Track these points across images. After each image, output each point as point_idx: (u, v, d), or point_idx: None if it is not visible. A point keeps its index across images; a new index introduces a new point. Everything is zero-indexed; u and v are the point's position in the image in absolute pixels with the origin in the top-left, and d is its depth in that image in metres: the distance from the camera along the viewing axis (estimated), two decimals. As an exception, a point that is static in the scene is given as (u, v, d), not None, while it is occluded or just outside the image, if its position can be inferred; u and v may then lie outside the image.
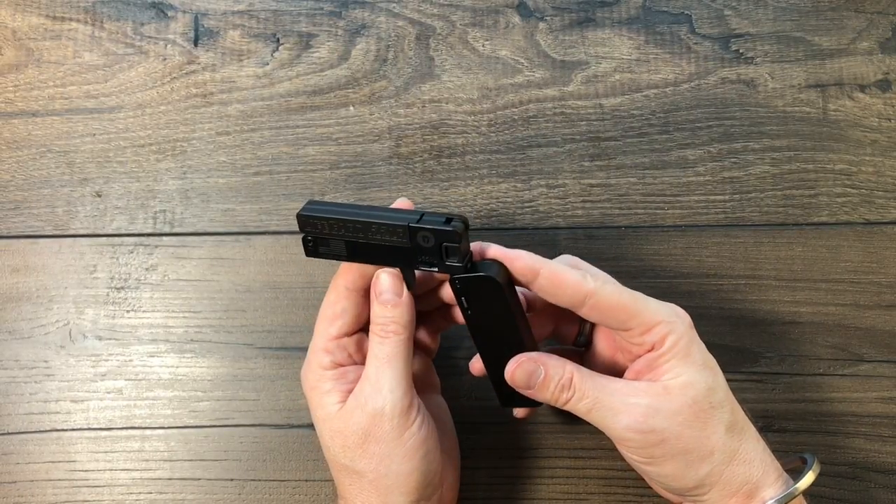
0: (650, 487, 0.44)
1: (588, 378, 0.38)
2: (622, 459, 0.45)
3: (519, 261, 0.38)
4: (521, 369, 0.38)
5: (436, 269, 0.37)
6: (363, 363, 0.40)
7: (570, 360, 0.43)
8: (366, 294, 0.40)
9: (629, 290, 0.38)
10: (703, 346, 0.39)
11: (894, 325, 0.47)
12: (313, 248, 0.38)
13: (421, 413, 0.38)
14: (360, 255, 0.38)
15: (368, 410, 0.37)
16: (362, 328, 0.41)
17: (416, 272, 0.39)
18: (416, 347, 0.43)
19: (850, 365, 0.47)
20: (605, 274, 0.40)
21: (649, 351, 0.38)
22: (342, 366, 0.39)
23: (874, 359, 0.47)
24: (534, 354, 0.39)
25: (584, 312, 0.38)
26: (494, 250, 0.38)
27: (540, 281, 0.37)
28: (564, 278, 0.37)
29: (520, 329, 0.39)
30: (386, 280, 0.39)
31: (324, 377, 0.39)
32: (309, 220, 0.38)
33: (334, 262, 0.39)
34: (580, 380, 0.38)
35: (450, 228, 0.36)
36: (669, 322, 0.38)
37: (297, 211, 0.38)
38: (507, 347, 0.39)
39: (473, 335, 0.39)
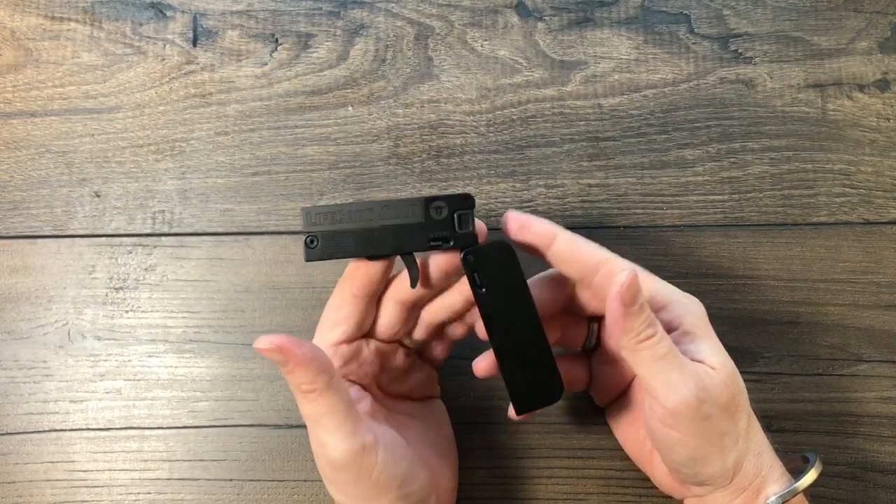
0: (649, 487, 0.44)
1: (667, 339, 0.36)
2: (621, 459, 0.45)
3: (538, 224, 0.38)
4: (636, 282, 0.35)
5: (450, 244, 0.38)
6: (357, 374, 0.40)
7: (579, 364, 0.43)
8: (371, 300, 0.39)
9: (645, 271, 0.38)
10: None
11: (893, 325, 0.47)
12: (315, 248, 0.38)
13: (379, 445, 0.36)
14: (367, 246, 0.38)
15: (323, 463, 0.36)
16: (363, 336, 0.40)
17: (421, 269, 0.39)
18: (425, 360, 0.43)
19: (848, 365, 0.47)
20: None
21: (668, 332, 0.37)
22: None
23: (873, 359, 0.47)
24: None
25: (597, 281, 0.37)
26: (513, 214, 0.38)
27: (557, 245, 0.37)
28: (581, 243, 0.37)
29: (535, 306, 0.38)
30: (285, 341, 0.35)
31: None
32: (314, 211, 0.38)
33: (338, 263, 0.38)
34: (663, 335, 0.36)
35: (463, 193, 0.38)
36: (682, 302, 0.37)
37: (301, 206, 0.38)
38: (523, 330, 0.38)
39: (485, 319, 0.38)
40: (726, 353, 0.38)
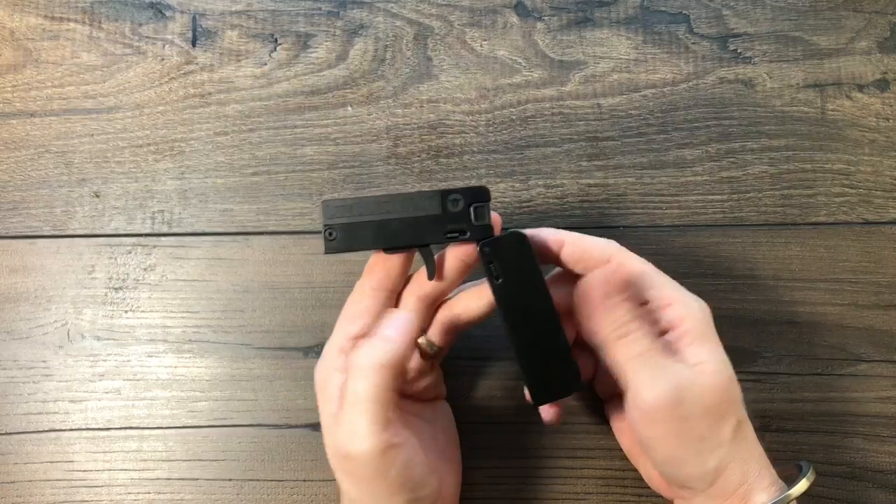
0: (648, 487, 0.44)
1: (649, 329, 0.37)
2: (621, 459, 0.45)
3: (545, 232, 0.39)
4: (617, 277, 0.37)
5: (466, 235, 0.38)
6: None
7: (586, 355, 0.42)
8: (390, 295, 0.40)
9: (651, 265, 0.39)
10: (718, 339, 0.38)
11: (892, 325, 0.47)
12: (334, 240, 0.38)
13: (403, 448, 0.36)
14: (385, 238, 0.38)
15: (343, 454, 0.36)
16: None
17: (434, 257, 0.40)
18: (436, 358, 0.43)
19: (848, 365, 0.47)
20: None
21: (667, 332, 0.38)
22: None
23: (872, 358, 0.47)
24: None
25: None
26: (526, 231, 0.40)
27: (567, 247, 0.39)
28: (590, 240, 0.39)
29: (550, 297, 0.39)
30: (402, 317, 0.37)
31: (333, 379, 0.38)
32: (334, 204, 0.38)
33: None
34: (643, 325, 0.37)
35: (479, 185, 0.39)
36: (687, 303, 0.38)
37: (322, 199, 0.38)
38: (539, 321, 0.39)
39: (503, 309, 0.39)
40: (725, 360, 0.38)
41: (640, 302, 0.38)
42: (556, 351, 0.39)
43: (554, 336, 0.39)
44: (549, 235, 0.39)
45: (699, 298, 0.39)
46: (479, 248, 0.38)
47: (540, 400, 0.39)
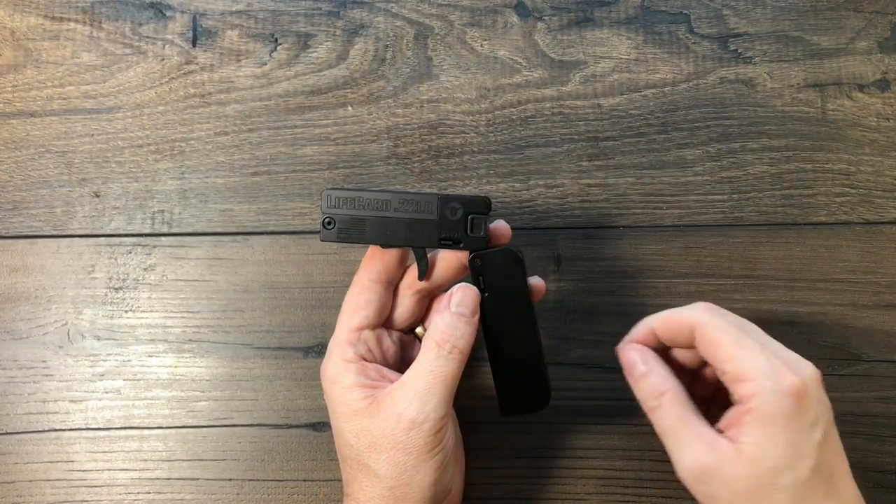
0: (649, 487, 0.44)
1: (679, 403, 0.37)
2: (621, 459, 0.45)
3: (637, 330, 0.40)
4: (629, 352, 0.39)
5: (459, 245, 0.39)
6: (382, 361, 0.40)
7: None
8: (388, 286, 0.40)
9: (748, 335, 0.37)
10: (800, 422, 0.36)
11: (893, 325, 0.47)
12: (332, 230, 0.39)
13: (451, 428, 0.38)
14: (380, 235, 0.39)
15: (405, 422, 0.36)
16: (382, 324, 0.41)
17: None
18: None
19: (848, 365, 0.47)
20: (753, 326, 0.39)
21: (738, 403, 0.36)
22: (364, 360, 0.39)
23: (873, 358, 0.47)
24: (647, 350, 0.39)
25: (695, 343, 0.38)
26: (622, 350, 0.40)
27: (660, 332, 0.39)
28: (676, 317, 0.39)
29: (534, 316, 0.39)
30: (469, 294, 0.39)
31: (347, 370, 0.39)
32: (335, 195, 0.38)
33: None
34: (672, 399, 0.37)
35: (481, 196, 0.38)
36: (760, 383, 0.35)
37: (324, 189, 0.39)
38: (519, 338, 0.39)
39: (485, 322, 0.39)
40: (782, 448, 0.35)
41: (719, 371, 0.37)
42: (531, 369, 0.40)
43: (531, 355, 0.40)
44: (640, 331, 0.40)
45: (785, 376, 0.36)
46: (470, 260, 0.39)
47: (507, 412, 0.41)
